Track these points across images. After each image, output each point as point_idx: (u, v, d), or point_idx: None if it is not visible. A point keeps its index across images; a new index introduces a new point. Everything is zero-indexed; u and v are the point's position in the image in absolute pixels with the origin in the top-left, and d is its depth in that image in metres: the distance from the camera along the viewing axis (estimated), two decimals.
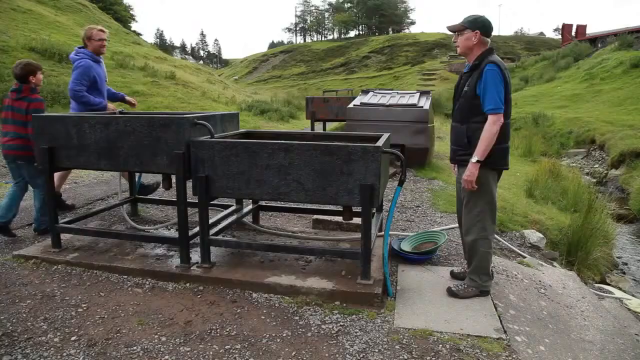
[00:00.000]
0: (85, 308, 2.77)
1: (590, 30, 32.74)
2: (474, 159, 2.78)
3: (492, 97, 2.69)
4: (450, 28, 2.95)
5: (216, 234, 3.48)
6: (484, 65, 2.75)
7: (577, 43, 28.68)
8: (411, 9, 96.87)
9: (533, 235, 4.80)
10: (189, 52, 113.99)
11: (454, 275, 3.29)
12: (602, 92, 17.98)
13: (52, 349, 2.36)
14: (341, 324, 2.63)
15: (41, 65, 4.21)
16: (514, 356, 2.37)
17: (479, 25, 2.80)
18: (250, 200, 4.24)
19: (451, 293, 3.01)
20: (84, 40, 4.47)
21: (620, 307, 3.93)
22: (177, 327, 2.58)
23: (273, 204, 4.37)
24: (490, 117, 2.71)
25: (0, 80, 9.80)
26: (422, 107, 7.09)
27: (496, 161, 2.84)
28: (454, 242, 4.04)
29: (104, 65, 4.69)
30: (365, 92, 8.19)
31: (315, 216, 4.31)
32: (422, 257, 3.59)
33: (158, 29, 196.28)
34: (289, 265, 3.31)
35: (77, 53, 4.45)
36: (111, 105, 4.69)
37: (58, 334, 2.49)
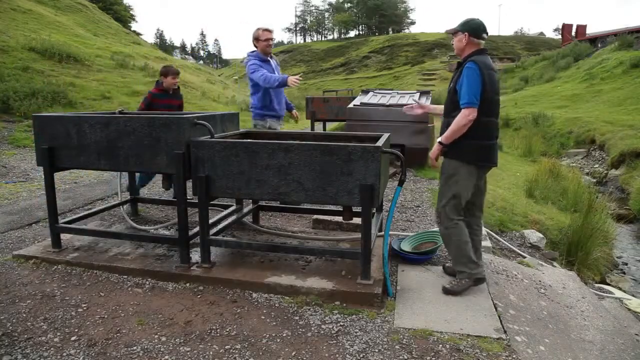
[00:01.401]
0: (85, 308, 2.77)
1: (590, 30, 32.72)
2: (439, 139, 3.00)
3: (466, 92, 2.82)
4: (447, 31, 3.14)
5: (216, 234, 3.48)
6: (465, 63, 2.90)
7: (577, 43, 28.66)
8: (411, 9, 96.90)
9: (533, 235, 4.80)
10: (189, 52, 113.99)
11: (446, 270, 3.35)
12: (602, 92, 17.97)
13: (52, 349, 2.36)
14: (341, 324, 2.63)
15: (174, 71, 4.81)
16: (514, 356, 2.37)
17: (468, 27, 2.95)
18: (250, 200, 4.24)
19: (446, 291, 3.03)
20: (253, 42, 4.62)
21: (620, 307, 3.93)
22: (177, 327, 2.58)
23: (273, 204, 4.37)
24: (462, 110, 2.84)
25: (1, 80, 9.80)
26: None
27: (472, 156, 2.94)
28: None
29: (276, 63, 4.78)
30: (365, 92, 8.18)
31: (315, 216, 4.31)
32: (422, 257, 3.58)
33: (158, 29, 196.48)
34: (289, 265, 3.31)
35: (247, 56, 4.65)
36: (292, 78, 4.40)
37: (58, 334, 2.49)
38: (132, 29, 38.42)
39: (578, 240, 4.89)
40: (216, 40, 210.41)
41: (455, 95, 2.93)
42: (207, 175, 3.04)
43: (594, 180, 10.82)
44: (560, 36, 39.58)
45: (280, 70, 4.80)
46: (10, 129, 8.71)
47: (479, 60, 2.84)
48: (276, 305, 2.85)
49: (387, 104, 7.25)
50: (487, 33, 2.96)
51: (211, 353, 2.35)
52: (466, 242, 3.02)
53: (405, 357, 2.34)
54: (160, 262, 3.33)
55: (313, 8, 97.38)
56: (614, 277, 5.22)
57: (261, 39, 4.54)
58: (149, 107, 4.75)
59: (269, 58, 4.64)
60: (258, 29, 4.60)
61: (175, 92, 4.92)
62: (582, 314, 3.11)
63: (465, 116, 2.81)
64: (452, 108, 2.97)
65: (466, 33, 2.93)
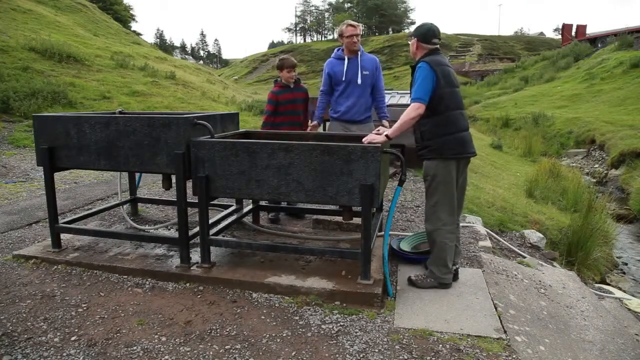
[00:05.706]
0: (85, 308, 2.77)
1: (590, 30, 32.77)
2: (386, 132, 3.04)
3: (417, 89, 2.94)
4: (407, 37, 3.24)
5: (216, 234, 3.48)
6: (417, 64, 3.02)
7: (577, 43, 28.70)
8: (411, 9, 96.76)
9: (533, 235, 4.80)
10: (189, 52, 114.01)
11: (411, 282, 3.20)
12: (602, 92, 18.00)
13: (52, 349, 2.36)
14: (341, 324, 2.63)
15: (289, 63, 4.40)
16: (514, 356, 2.37)
17: (416, 33, 3.08)
18: (250, 200, 4.24)
19: (410, 282, 3.13)
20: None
21: (620, 307, 3.93)
22: (177, 327, 2.58)
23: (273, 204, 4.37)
24: (411, 104, 2.94)
25: (1, 80, 9.80)
26: None
27: (449, 151, 2.98)
28: None
29: (364, 60, 4.23)
30: None
31: (315, 216, 4.31)
32: (422, 257, 3.58)
33: (158, 29, 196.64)
34: (289, 265, 3.31)
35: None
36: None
37: (58, 334, 2.49)
38: (132, 29, 38.44)
39: (578, 240, 4.89)
40: (216, 40, 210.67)
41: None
42: (207, 175, 3.04)
43: (594, 180, 10.82)
44: (560, 36, 39.61)
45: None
46: (10, 129, 8.71)
47: (429, 60, 2.95)
48: (276, 305, 2.85)
49: (387, 104, 7.24)
50: (438, 37, 3.04)
51: (211, 353, 2.35)
52: (450, 247, 3.06)
53: (405, 357, 2.34)
54: (160, 262, 3.33)
55: (313, 8, 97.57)
56: (614, 277, 5.22)
57: (345, 35, 4.10)
58: (276, 106, 4.34)
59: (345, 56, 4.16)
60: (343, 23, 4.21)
61: (297, 84, 4.50)
62: (582, 314, 3.11)
63: (413, 109, 2.90)
64: None
65: (416, 38, 3.06)
